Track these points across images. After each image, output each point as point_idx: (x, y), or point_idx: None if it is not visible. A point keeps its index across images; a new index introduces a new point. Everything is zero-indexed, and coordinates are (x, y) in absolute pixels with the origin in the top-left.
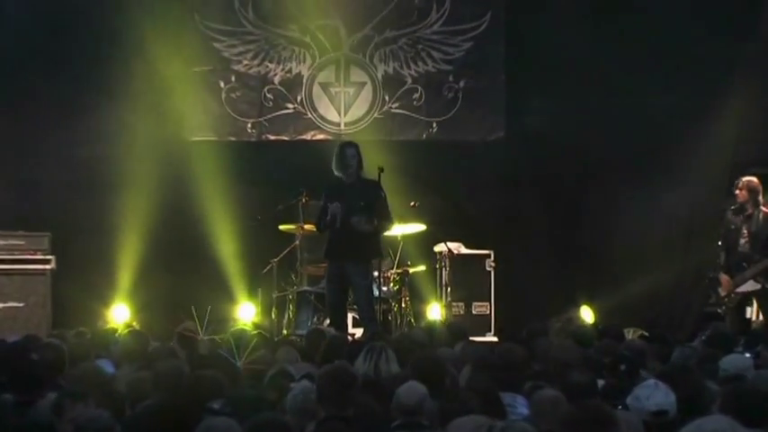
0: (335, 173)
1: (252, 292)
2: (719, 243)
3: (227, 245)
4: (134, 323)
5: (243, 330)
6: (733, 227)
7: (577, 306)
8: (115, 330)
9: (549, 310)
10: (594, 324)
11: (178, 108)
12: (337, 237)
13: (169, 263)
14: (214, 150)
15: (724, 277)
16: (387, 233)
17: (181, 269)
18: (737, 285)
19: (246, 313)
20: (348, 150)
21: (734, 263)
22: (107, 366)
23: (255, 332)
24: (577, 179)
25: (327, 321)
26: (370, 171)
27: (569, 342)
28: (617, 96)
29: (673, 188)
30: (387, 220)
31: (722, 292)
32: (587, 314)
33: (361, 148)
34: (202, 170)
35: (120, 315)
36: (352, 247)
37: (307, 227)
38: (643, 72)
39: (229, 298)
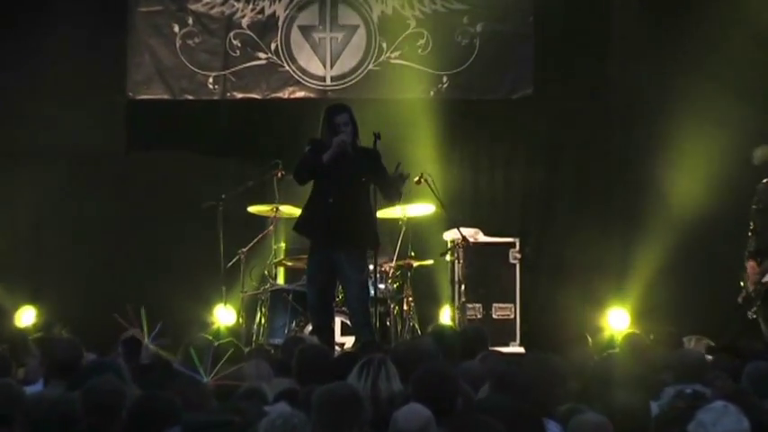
0: (324, 141)
1: (214, 291)
2: (750, 225)
3: (181, 231)
4: (63, 330)
5: (209, 338)
6: (762, 205)
7: (603, 310)
8: (43, 339)
9: (588, 313)
10: (631, 330)
11: (118, 59)
12: (326, 215)
13: (108, 254)
14: (165, 112)
15: (750, 264)
16: (385, 214)
17: (123, 262)
18: (763, 275)
19: (223, 317)
20: (338, 117)
21: (765, 248)
22: (35, 383)
23: (228, 340)
24: (621, 147)
25: (309, 327)
26: (363, 138)
27: (616, 353)
28: (673, 52)
29: (732, 162)
30: (399, 183)
31: (750, 286)
32: (620, 318)
33: (354, 112)
34: (150, 137)
35: (26, 319)
36: (345, 229)
37: (283, 208)
38: (701, 31)
39: (187, 298)
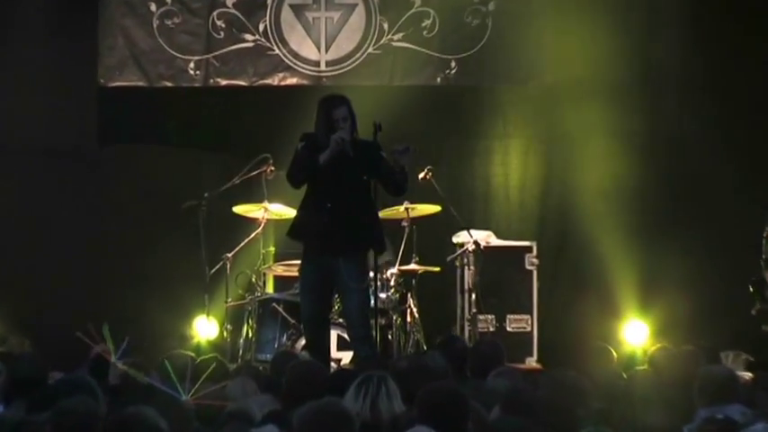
0: (320, 138)
1: (196, 301)
2: (765, 234)
3: (158, 234)
4: (24, 344)
5: (185, 354)
6: None
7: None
8: (6, 354)
9: (612, 325)
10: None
11: (89, 42)
12: (324, 221)
13: (75, 259)
14: (141, 101)
15: None
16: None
17: (93, 268)
18: None
19: (204, 330)
20: (336, 111)
21: None
22: None
23: (210, 356)
24: (652, 138)
25: (302, 342)
26: (362, 129)
27: (643, 370)
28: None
29: None
30: (405, 159)
31: None
32: (639, 330)
33: (352, 103)
34: (123, 129)
35: None
36: (345, 234)
37: (273, 208)
38: None
39: (164, 308)
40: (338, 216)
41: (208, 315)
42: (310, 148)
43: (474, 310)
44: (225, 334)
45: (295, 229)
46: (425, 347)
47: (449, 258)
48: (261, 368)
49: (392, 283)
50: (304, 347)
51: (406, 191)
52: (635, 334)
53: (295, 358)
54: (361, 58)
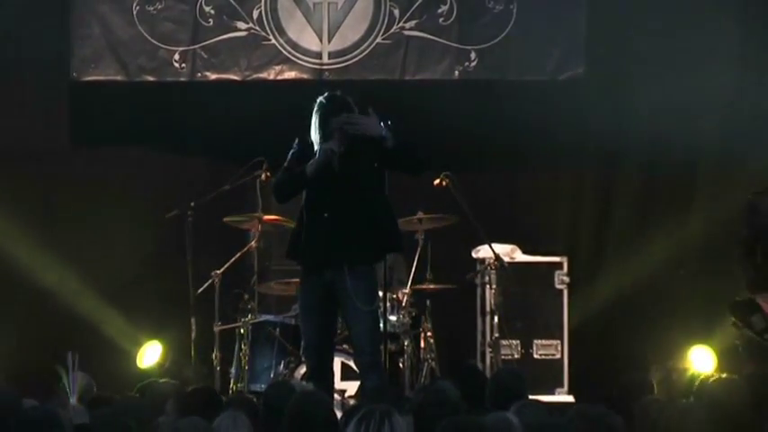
0: (314, 143)
1: (181, 325)
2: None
3: (139, 248)
4: None
5: (158, 384)
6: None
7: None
8: None
9: (656, 351)
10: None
11: (60, 31)
12: (320, 233)
13: (45, 275)
14: (119, 97)
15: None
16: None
17: (62, 286)
18: None
19: (150, 357)
20: (332, 119)
21: None
22: None
23: (201, 386)
24: (701, 136)
25: (302, 370)
26: None
27: (693, 404)
28: None
29: None
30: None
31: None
32: (703, 358)
33: (354, 104)
34: (99, 129)
35: None
36: (350, 244)
37: (268, 218)
38: None
39: (144, 333)
40: (338, 226)
41: (195, 340)
42: (301, 155)
43: (496, 335)
44: (213, 361)
45: (292, 248)
46: (440, 377)
47: (468, 276)
48: (255, 400)
49: (404, 303)
50: (304, 377)
51: (423, 163)
52: (700, 362)
53: (293, 390)
54: (369, 49)
